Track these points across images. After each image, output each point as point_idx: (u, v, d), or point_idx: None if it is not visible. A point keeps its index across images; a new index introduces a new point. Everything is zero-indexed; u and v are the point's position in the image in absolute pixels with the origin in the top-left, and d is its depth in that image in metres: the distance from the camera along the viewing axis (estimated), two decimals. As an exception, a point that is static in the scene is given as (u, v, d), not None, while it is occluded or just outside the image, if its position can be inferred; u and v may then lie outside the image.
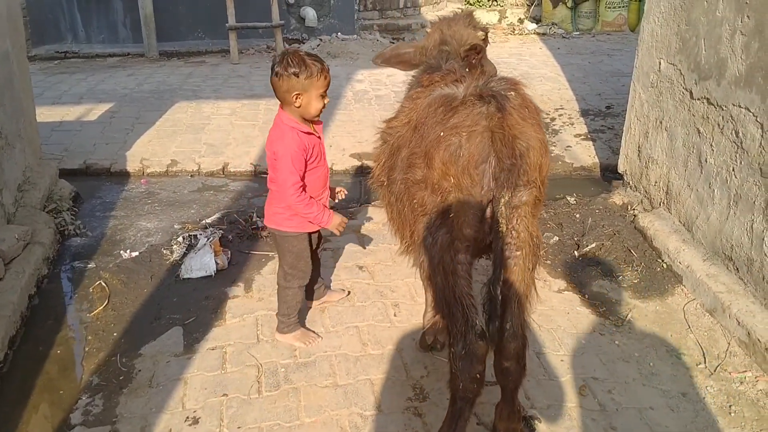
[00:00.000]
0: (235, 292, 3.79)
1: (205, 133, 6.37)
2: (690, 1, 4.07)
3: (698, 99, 4.01)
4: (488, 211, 2.37)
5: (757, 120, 3.43)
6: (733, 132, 3.63)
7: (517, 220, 2.35)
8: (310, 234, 3.27)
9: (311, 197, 3.06)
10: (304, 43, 10.23)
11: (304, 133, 3.01)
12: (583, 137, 6.27)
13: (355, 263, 4.07)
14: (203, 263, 3.98)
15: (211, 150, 5.98)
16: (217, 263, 4.00)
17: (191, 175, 5.62)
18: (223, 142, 6.14)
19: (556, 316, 3.60)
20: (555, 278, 4.01)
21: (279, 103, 3.02)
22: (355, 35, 10.56)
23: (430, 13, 11.19)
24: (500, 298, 2.35)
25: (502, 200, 2.30)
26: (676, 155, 4.25)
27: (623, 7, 10.95)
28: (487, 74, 2.90)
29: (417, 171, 2.49)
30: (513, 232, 2.35)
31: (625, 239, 4.32)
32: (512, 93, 2.40)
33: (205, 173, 5.64)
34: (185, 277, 3.94)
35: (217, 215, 4.81)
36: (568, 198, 5.02)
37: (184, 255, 4.15)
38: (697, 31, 4.02)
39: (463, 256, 2.42)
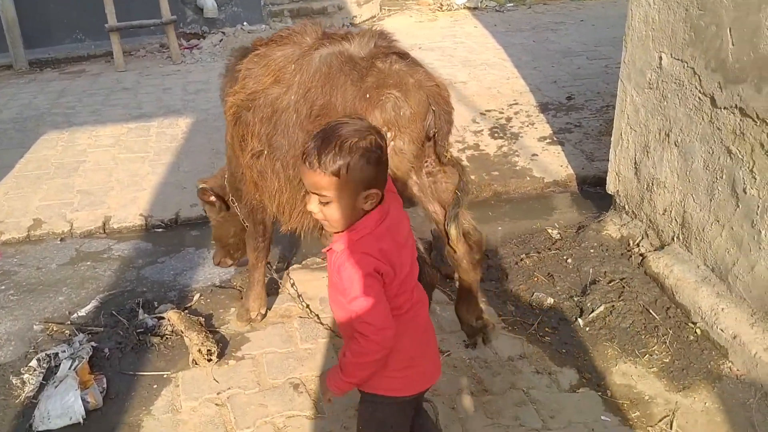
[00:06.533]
0: (115, 451, 2.58)
1: (80, 175, 4.97)
2: (706, -24, 3.04)
3: (725, 108, 3.00)
4: None
5: (837, 146, 2.43)
6: (795, 159, 2.63)
7: None
8: None
9: None
10: (204, 38, 8.82)
11: None
12: (548, 141, 5.22)
13: (287, 379, 2.89)
14: (65, 406, 2.72)
15: (87, 199, 4.62)
16: (86, 402, 2.76)
17: (61, 239, 4.28)
18: (104, 187, 4.78)
19: (578, 439, 2.55)
20: (562, 366, 2.95)
21: None
22: (264, 24, 9.23)
23: (347, -8, 9.91)
24: None
25: None
26: (695, 179, 3.25)
27: (557, -28, 9.93)
28: None
29: None
30: None
31: (638, 293, 3.32)
32: None
33: (80, 234, 4.31)
34: (40, 430, 2.70)
35: (93, 303, 3.56)
36: (550, 231, 3.99)
37: (41, 387, 2.89)
38: (718, 18, 2.99)
39: None
